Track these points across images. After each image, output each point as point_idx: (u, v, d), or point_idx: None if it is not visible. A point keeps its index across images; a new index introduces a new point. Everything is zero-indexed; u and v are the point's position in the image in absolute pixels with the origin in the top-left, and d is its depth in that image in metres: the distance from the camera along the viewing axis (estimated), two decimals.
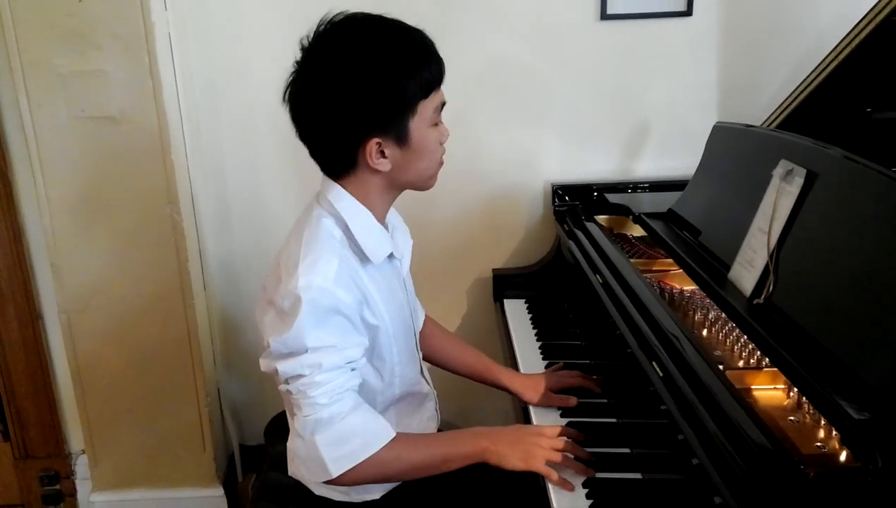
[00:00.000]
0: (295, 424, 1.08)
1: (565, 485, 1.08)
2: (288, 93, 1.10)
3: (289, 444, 1.12)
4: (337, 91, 1.05)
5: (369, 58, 1.04)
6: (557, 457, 1.10)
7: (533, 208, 1.99)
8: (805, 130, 1.24)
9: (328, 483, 1.09)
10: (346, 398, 1.07)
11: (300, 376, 1.05)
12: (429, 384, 1.35)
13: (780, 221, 1.09)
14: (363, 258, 1.13)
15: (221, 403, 2.04)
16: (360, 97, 1.04)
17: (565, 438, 1.14)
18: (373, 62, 1.04)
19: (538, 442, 1.12)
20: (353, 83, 1.04)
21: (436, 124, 1.13)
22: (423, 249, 1.98)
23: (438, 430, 1.37)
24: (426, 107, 1.09)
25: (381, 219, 1.17)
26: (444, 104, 1.14)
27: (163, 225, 1.79)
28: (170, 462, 1.98)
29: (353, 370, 1.09)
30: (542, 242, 1.99)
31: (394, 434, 1.10)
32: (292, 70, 1.09)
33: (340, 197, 1.13)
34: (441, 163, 1.17)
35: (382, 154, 1.09)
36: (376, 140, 1.07)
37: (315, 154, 1.14)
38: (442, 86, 1.13)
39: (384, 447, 1.08)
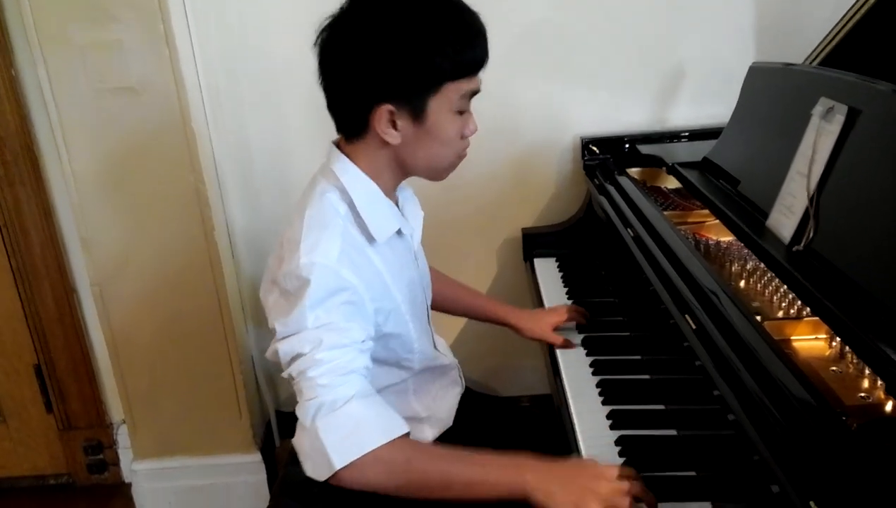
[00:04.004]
0: (298, 413, 0.98)
1: None
2: (320, 39, 1.05)
3: (294, 441, 1.00)
4: (364, 46, 1.00)
5: (407, 20, 1.00)
6: (621, 504, 0.90)
7: (563, 164, 1.93)
8: (853, 67, 1.14)
9: (332, 482, 0.95)
10: (351, 380, 0.97)
11: (299, 355, 0.98)
12: (445, 356, 1.31)
13: (819, 163, 1.02)
14: (369, 236, 1.08)
15: (256, 370, 2.05)
16: (384, 59, 0.99)
17: (627, 483, 0.92)
18: (409, 26, 0.99)
19: (595, 486, 0.91)
20: (383, 42, 0.99)
21: (461, 113, 1.07)
22: (452, 211, 1.96)
23: (462, 396, 1.33)
24: (452, 91, 1.03)
25: (389, 193, 1.13)
26: (475, 92, 1.08)
27: (187, 194, 1.78)
28: (207, 429, 2.00)
29: (359, 351, 1.00)
30: (573, 199, 1.94)
31: (406, 430, 0.98)
32: (329, 17, 1.05)
33: (346, 169, 1.08)
34: (461, 157, 1.12)
35: (394, 125, 1.03)
36: (389, 107, 1.01)
37: (331, 107, 1.10)
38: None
39: (394, 444, 0.95)
